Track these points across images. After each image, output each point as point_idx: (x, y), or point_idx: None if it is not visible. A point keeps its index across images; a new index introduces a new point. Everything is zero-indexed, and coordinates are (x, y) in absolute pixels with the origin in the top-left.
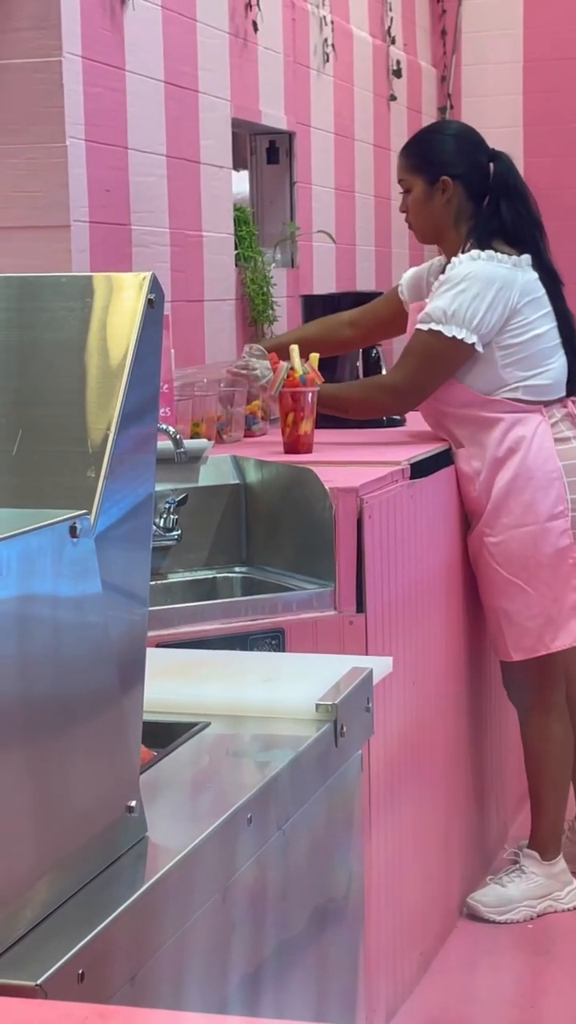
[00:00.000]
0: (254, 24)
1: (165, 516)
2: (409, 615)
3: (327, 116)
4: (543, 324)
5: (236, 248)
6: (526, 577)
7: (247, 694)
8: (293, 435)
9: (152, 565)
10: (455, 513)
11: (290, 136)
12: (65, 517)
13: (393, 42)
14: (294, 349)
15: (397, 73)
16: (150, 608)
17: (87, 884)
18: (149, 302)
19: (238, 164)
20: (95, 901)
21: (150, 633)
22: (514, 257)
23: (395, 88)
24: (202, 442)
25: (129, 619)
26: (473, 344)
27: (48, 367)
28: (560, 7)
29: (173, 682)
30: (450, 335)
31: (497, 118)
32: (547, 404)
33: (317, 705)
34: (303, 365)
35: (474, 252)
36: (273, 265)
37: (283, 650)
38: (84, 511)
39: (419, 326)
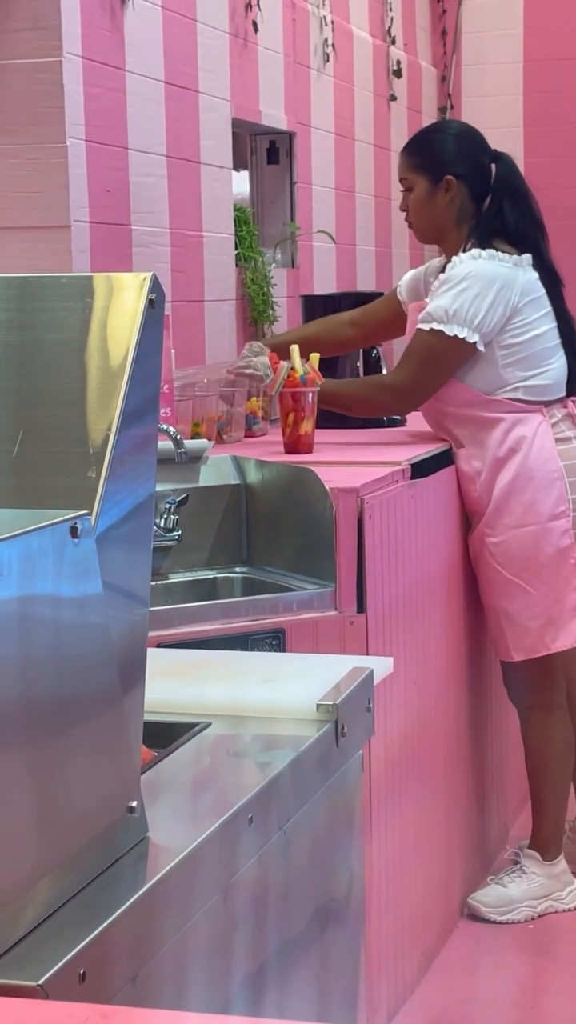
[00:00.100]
0: (254, 24)
1: (166, 516)
2: (410, 615)
3: (327, 116)
4: (543, 324)
5: (236, 248)
6: (527, 577)
7: (248, 694)
8: (293, 435)
9: (153, 565)
10: (456, 513)
11: (290, 136)
12: (66, 517)
13: (393, 42)
14: (294, 349)
15: (397, 73)
16: (151, 608)
17: (88, 884)
18: (150, 302)
19: (238, 164)
20: (96, 901)
21: (151, 633)
22: (515, 256)
23: (395, 88)
24: (202, 442)
25: (130, 619)
26: (475, 343)
27: (49, 367)
28: (560, 7)
29: (174, 682)
30: (452, 334)
31: (497, 118)
32: (547, 404)
33: (318, 705)
34: (303, 365)
35: (475, 251)
36: (273, 265)
37: (284, 650)
38: (85, 511)
39: (420, 326)
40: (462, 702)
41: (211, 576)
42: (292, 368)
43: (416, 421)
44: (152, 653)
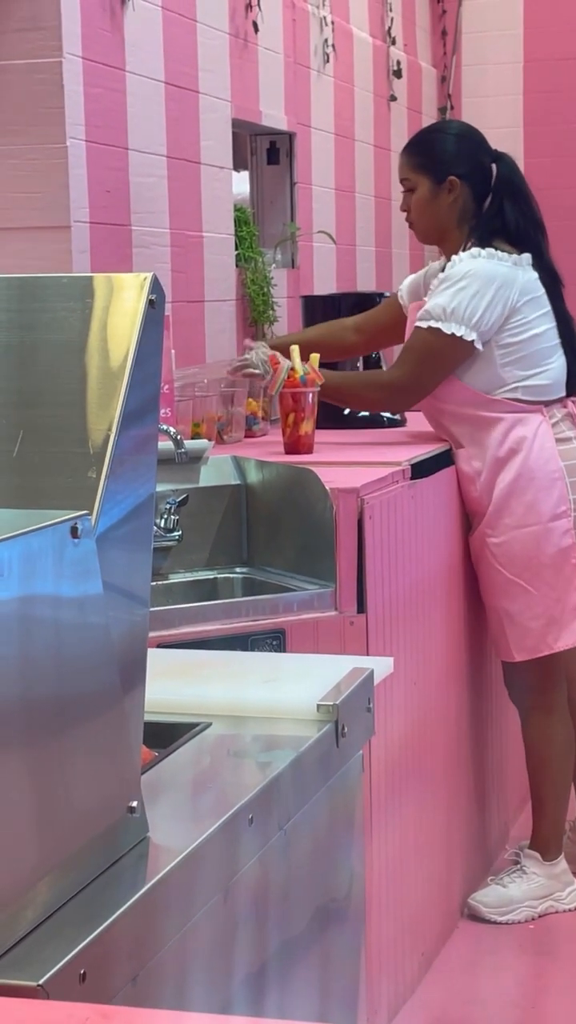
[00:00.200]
0: (254, 25)
1: (166, 517)
2: (410, 615)
3: (327, 117)
4: (542, 324)
5: (236, 249)
6: (528, 577)
7: (248, 694)
8: (294, 435)
9: (153, 566)
10: (456, 514)
11: (290, 137)
12: (66, 518)
13: (393, 42)
14: (295, 349)
15: (397, 73)
16: (151, 609)
17: (88, 884)
18: (150, 303)
19: (238, 165)
20: (96, 901)
21: (151, 634)
22: (514, 256)
23: (395, 88)
24: (203, 442)
25: (130, 620)
26: (472, 341)
27: (49, 368)
28: (560, 7)
29: (174, 682)
30: (449, 332)
31: (497, 118)
32: (547, 404)
33: (318, 705)
34: (304, 366)
35: (474, 250)
36: (273, 266)
37: (284, 650)
38: (85, 512)
39: (418, 323)
40: (462, 702)
41: (211, 576)
42: (292, 368)
43: (416, 421)
44: (152, 653)
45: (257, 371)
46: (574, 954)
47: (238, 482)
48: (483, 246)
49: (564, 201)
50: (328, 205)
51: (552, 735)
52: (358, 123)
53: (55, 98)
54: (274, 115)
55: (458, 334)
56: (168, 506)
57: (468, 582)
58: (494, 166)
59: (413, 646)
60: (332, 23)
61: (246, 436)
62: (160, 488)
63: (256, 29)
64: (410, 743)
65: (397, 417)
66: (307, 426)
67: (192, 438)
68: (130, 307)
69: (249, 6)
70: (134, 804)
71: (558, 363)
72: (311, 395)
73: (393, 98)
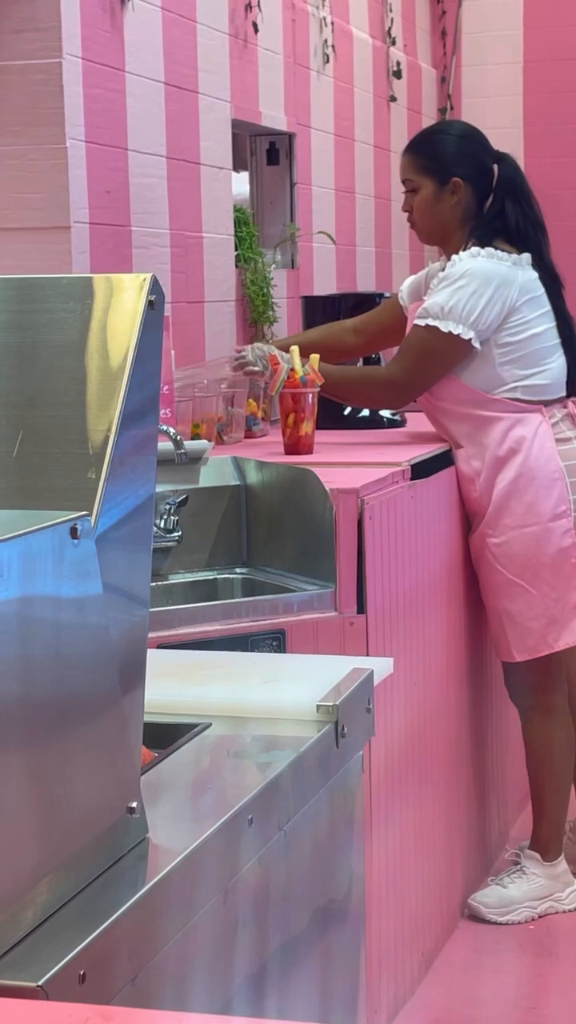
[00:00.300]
0: (254, 25)
1: (166, 517)
2: (410, 616)
3: (327, 117)
4: (541, 323)
5: (236, 249)
6: (529, 577)
7: (248, 695)
8: (293, 436)
9: (153, 566)
10: (456, 514)
11: (290, 137)
12: (66, 518)
13: (393, 43)
14: (295, 349)
15: (397, 74)
16: (151, 609)
17: (88, 885)
18: (149, 303)
19: (238, 165)
20: (96, 902)
21: (151, 634)
22: (514, 255)
23: (395, 89)
24: (202, 443)
25: (130, 620)
26: (470, 340)
27: (48, 369)
28: (560, 7)
29: (174, 683)
30: (446, 331)
31: (497, 119)
32: (547, 404)
33: (318, 706)
34: (304, 366)
35: (474, 249)
36: (273, 266)
37: (284, 651)
38: (85, 512)
39: (416, 321)
40: (462, 702)
41: (211, 577)
42: (292, 369)
43: (416, 422)
44: (152, 654)
45: (256, 368)
46: (574, 954)
47: (238, 483)
48: (484, 246)
49: (565, 202)
50: (328, 206)
51: (552, 735)
52: (358, 124)
53: (55, 99)
54: (274, 116)
55: (455, 332)
56: (168, 507)
57: (468, 582)
58: (496, 167)
59: (413, 647)
60: (332, 24)
61: (246, 437)
62: (160, 489)
63: (256, 30)
64: (410, 743)
65: (397, 417)
66: (307, 427)
67: (192, 439)
68: (130, 308)
69: (249, 7)
70: (134, 805)
71: (558, 363)
72: (311, 395)
73: (393, 99)
